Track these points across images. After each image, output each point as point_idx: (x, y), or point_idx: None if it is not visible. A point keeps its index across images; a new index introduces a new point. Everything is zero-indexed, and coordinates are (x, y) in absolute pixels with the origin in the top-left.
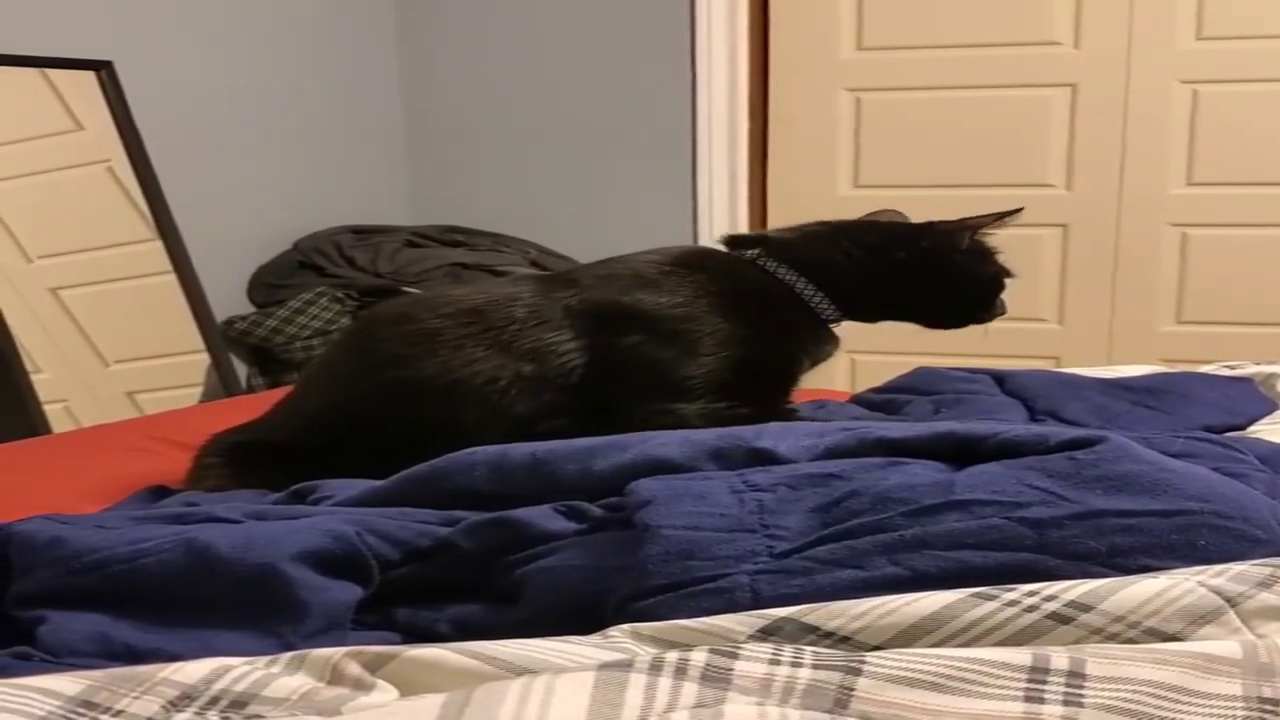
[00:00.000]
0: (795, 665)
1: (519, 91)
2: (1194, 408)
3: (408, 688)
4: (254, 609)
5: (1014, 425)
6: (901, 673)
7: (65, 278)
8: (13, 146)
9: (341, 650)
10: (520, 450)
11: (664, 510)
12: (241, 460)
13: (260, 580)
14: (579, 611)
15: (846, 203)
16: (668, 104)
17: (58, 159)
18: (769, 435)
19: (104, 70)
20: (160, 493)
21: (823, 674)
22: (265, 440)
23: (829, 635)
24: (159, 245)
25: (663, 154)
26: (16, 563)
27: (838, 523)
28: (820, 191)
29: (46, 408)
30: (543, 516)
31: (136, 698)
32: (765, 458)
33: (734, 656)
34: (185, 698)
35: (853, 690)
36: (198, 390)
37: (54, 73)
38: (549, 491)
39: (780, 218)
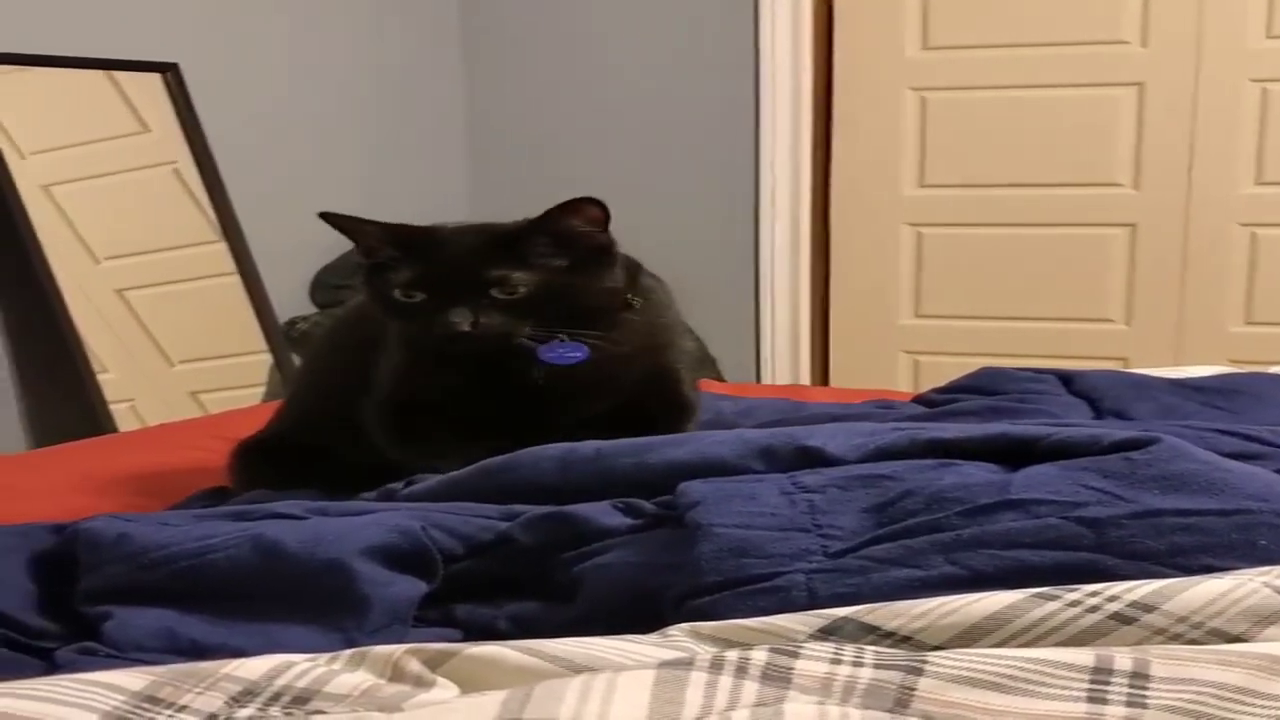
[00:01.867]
0: (856, 665)
1: (580, 92)
2: (1265, 408)
3: (468, 685)
4: (319, 604)
5: (1067, 426)
6: (963, 673)
7: (131, 279)
8: (80, 149)
9: (402, 647)
10: (587, 446)
11: (714, 509)
12: (258, 459)
13: (326, 576)
14: (635, 609)
15: (911, 203)
16: (730, 104)
17: (124, 161)
18: (820, 434)
19: (169, 72)
20: (222, 492)
21: (884, 674)
22: (278, 437)
23: (889, 635)
24: (223, 246)
25: (725, 156)
26: (83, 559)
27: (893, 522)
28: (884, 192)
29: (112, 407)
30: (600, 512)
31: (200, 693)
32: (814, 456)
33: (795, 655)
34: (248, 693)
35: (914, 690)
36: (260, 390)
37: (120, 75)
38: (607, 486)
39: (843, 219)
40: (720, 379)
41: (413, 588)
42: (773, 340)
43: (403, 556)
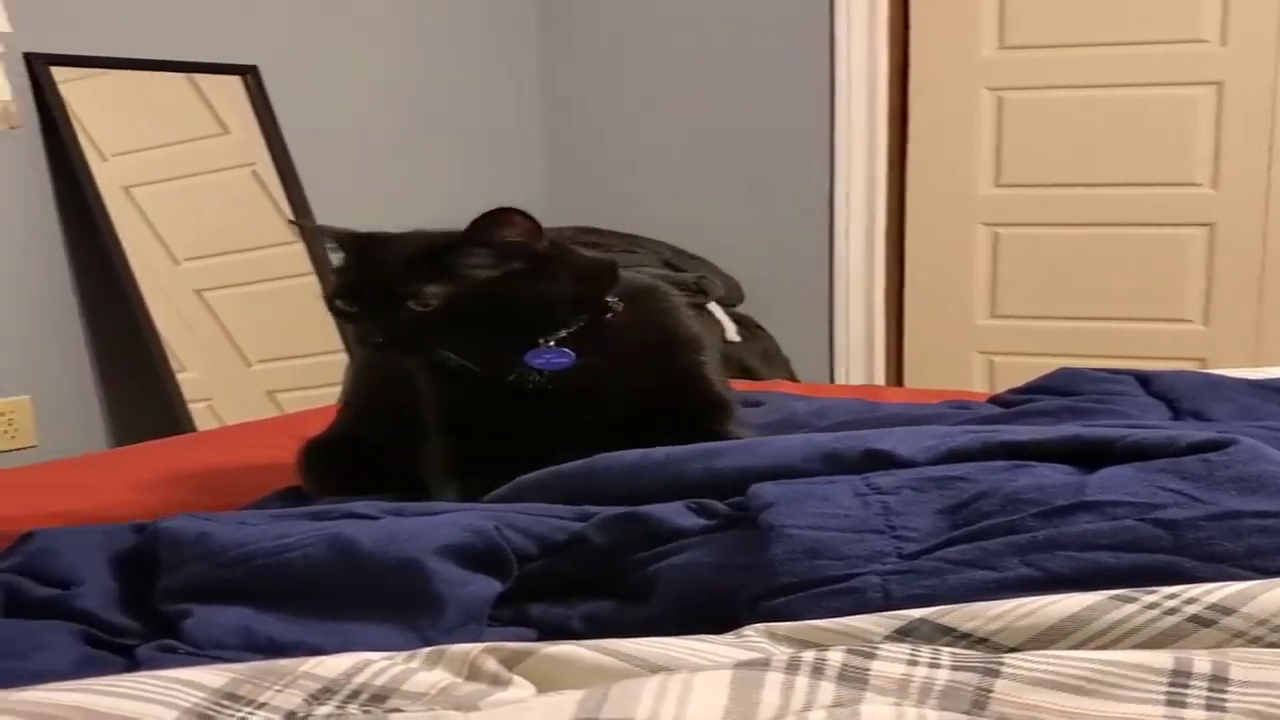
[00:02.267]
0: (933, 666)
1: (656, 94)
2: None
3: (544, 684)
4: (394, 603)
5: (1143, 428)
6: (1041, 675)
7: (210, 279)
8: (161, 150)
9: (479, 646)
10: (657, 452)
11: (787, 511)
12: (322, 459)
13: (401, 574)
14: (708, 609)
15: (987, 202)
16: (805, 103)
17: (204, 163)
18: (889, 438)
19: (249, 74)
20: (298, 492)
21: (961, 675)
22: (340, 438)
23: (965, 636)
24: (300, 247)
25: (799, 155)
26: (164, 558)
27: (967, 524)
28: (960, 192)
29: (191, 406)
30: (673, 513)
31: (279, 691)
32: (884, 460)
33: (871, 656)
34: (326, 691)
35: (991, 692)
36: (336, 390)
37: (201, 77)
38: (676, 491)
39: (919, 219)
40: (793, 379)
41: (487, 587)
42: (847, 340)
43: (477, 556)
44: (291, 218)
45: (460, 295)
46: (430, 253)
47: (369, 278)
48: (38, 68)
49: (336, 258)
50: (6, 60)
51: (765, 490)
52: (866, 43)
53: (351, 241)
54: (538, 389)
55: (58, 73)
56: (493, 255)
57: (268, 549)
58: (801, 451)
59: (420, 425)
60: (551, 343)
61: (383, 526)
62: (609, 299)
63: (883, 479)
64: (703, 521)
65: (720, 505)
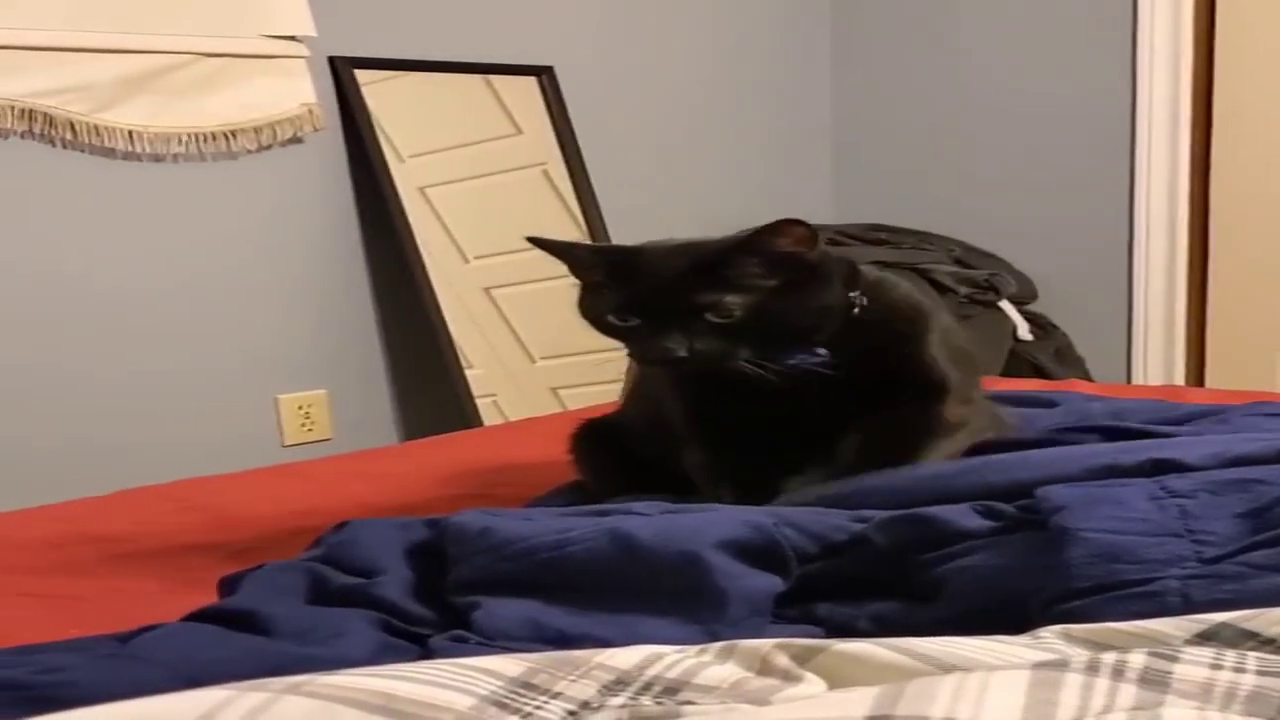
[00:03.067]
0: (1238, 671)
1: (948, 90)
2: None
3: (835, 681)
4: (675, 596)
5: None
6: None
7: (498, 277)
8: (455, 151)
9: (771, 642)
10: (924, 469)
11: (1081, 514)
12: (594, 447)
13: (681, 567)
14: (999, 611)
15: None
16: (1104, 97)
17: (496, 163)
18: (1172, 446)
19: (544, 75)
20: (580, 486)
21: (1269, 680)
22: (615, 423)
23: (1270, 642)
24: None
25: (1096, 150)
26: (451, 552)
27: (1269, 528)
28: (1271, 188)
29: (478, 402)
30: (958, 514)
31: (574, 681)
32: (1170, 468)
33: (1174, 659)
34: (619, 683)
35: None
36: (618, 387)
37: (496, 78)
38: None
39: (1223, 217)
40: (1087, 378)
41: (768, 582)
42: (1145, 339)
43: (755, 551)
44: (531, 235)
45: (757, 304)
46: (712, 264)
47: (654, 291)
48: (341, 70)
49: (588, 274)
50: (311, 64)
51: (1055, 493)
52: (1171, 29)
53: (613, 256)
54: (790, 389)
55: (360, 75)
56: (771, 264)
57: (549, 543)
58: (1080, 463)
59: (677, 435)
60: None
61: (661, 522)
62: (852, 295)
63: (1177, 482)
64: (989, 523)
65: (1006, 507)
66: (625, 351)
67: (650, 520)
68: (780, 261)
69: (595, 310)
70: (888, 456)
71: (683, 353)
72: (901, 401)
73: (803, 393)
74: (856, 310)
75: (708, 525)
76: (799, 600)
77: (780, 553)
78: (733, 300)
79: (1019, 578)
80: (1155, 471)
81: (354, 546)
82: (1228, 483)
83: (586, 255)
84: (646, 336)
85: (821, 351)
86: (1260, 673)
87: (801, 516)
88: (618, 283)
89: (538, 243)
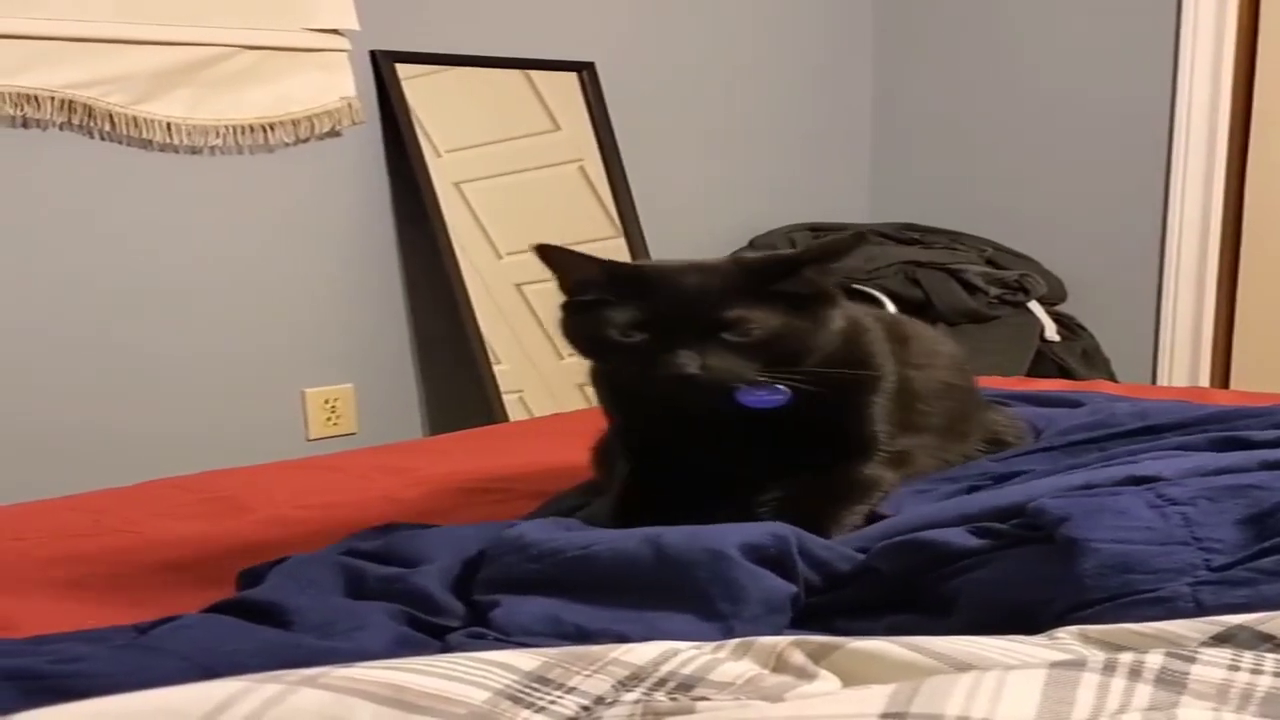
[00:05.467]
0: (1255, 672)
1: (985, 92)
2: None
3: (850, 679)
4: (696, 592)
5: None
6: None
7: (529, 274)
8: (493, 147)
9: (786, 639)
10: (908, 515)
11: (1085, 524)
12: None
13: (706, 563)
14: (1014, 622)
15: None
16: (1143, 101)
17: (534, 159)
18: (1148, 466)
19: (585, 71)
20: (594, 487)
21: None
22: None
23: None
24: (621, 242)
25: (1133, 153)
26: (486, 554)
27: (1272, 534)
28: None
29: (505, 398)
30: (954, 535)
31: (588, 676)
32: (1149, 484)
33: (1191, 660)
34: (634, 678)
35: None
36: None
37: (537, 74)
38: None
39: (1259, 224)
40: (1113, 379)
41: (786, 586)
42: (1172, 341)
43: (771, 560)
44: (539, 244)
45: (779, 325)
46: (737, 282)
47: (670, 308)
48: (382, 64)
49: (586, 290)
50: (352, 57)
51: (1052, 505)
52: (1213, 33)
53: (627, 272)
54: (738, 423)
55: (401, 69)
56: (793, 288)
57: (578, 544)
58: (1051, 488)
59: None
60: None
61: (686, 528)
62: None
63: (1173, 489)
64: (986, 541)
65: (1000, 525)
66: (625, 372)
67: (677, 527)
68: (809, 286)
69: (591, 327)
70: (803, 519)
71: (694, 369)
72: (830, 461)
73: (747, 430)
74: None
75: (731, 531)
76: (814, 619)
77: (791, 564)
78: (759, 317)
79: (1030, 588)
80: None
81: (414, 539)
82: (1224, 489)
83: (596, 269)
84: (654, 353)
85: (783, 391)
86: (1277, 675)
87: (811, 543)
88: (628, 298)
89: (541, 251)
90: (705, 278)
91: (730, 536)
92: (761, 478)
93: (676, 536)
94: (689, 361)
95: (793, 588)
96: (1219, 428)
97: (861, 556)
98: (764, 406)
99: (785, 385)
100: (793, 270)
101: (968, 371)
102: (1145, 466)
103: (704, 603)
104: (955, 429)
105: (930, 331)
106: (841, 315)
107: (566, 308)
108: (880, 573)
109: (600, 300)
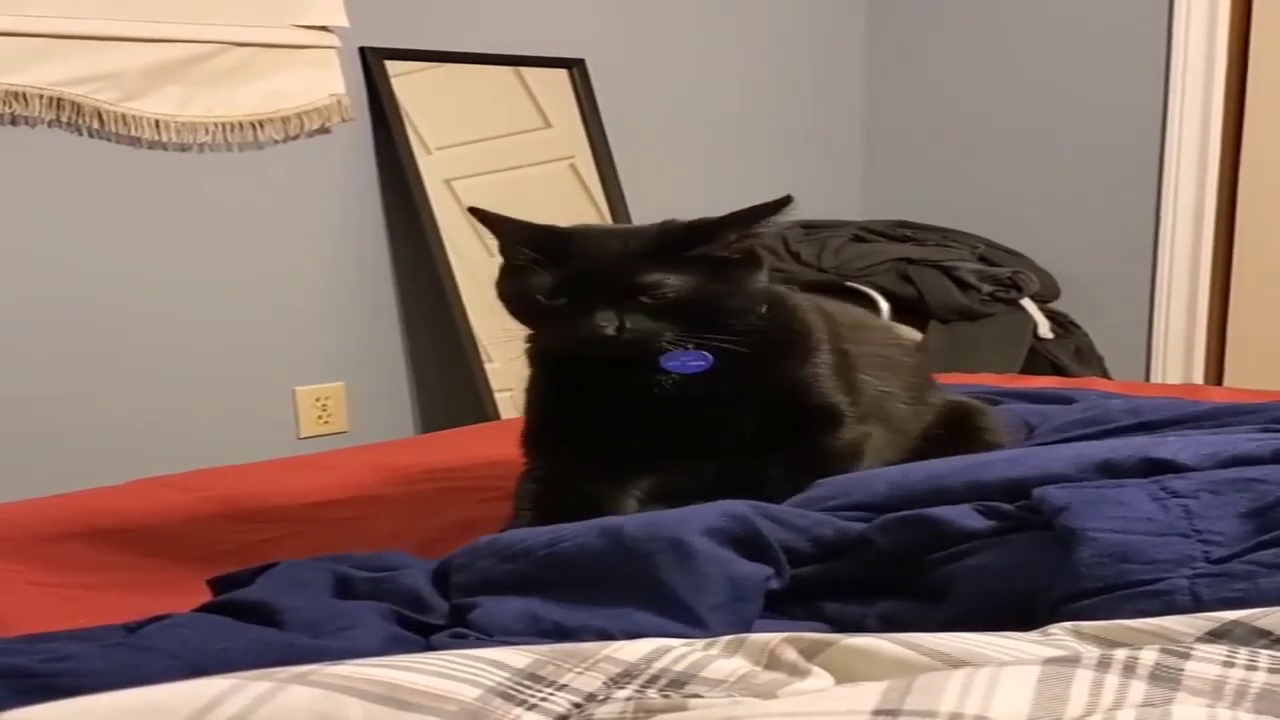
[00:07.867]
0: (1250, 669)
1: (976, 90)
2: None
3: (843, 675)
4: (659, 584)
5: None
6: None
7: None
8: (483, 144)
9: (778, 636)
10: (917, 469)
11: (1085, 514)
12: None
13: (666, 553)
14: (1008, 610)
15: None
16: (1136, 100)
17: (524, 156)
18: (1167, 446)
19: (575, 68)
20: None
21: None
22: None
23: None
24: None
25: (1126, 151)
26: (456, 561)
27: (1274, 527)
28: None
29: (496, 396)
30: (960, 515)
31: (580, 673)
32: (1164, 468)
33: (1185, 657)
34: (626, 675)
35: None
36: None
37: (527, 70)
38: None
39: (1252, 221)
40: (1106, 377)
41: (757, 570)
42: (1165, 338)
43: (738, 541)
44: (472, 206)
45: (694, 287)
46: (655, 245)
47: (589, 272)
48: (372, 61)
49: (518, 253)
50: (342, 54)
51: (1054, 494)
52: (1206, 34)
53: (550, 237)
54: (664, 392)
55: (391, 66)
56: (715, 252)
57: (544, 541)
58: (1070, 461)
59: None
60: (689, 345)
61: (645, 515)
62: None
63: (1177, 482)
64: (991, 523)
65: (1007, 506)
66: (550, 336)
67: (637, 516)
68: (729, 251)
69: (521, 289)
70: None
71: (611, 331)
72: (793, 431)
73: (679, 399)
74: (760, 319)
75: (692, 516)
76: (805, 599)
77: (762, 541)
78: (673, 281)
79: (1026, 577)
80: (1149, 471)
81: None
82: (1227, 482)
83: (521, 232)
84: (574, 316)
85: (706, 356)
86: (1272, 671)
87: (779, 511)
88: (551, 263)
89: (475, 213)
90: (625, 242)
91: (691, 523)
92: (708, 452)
93: (636, 527)
94: (606, 323)
95: (766, 570)
96: (1213, 425)
97: (850, 525)
98: (686, 371)
99: (705, 349)
100: (714, 235)
101: (908, 347)
102: (1167, 446)
103: (667, 594)
104: (911, 397)
105: (861, 312)
106: (768, 285)
107: (501, 270)
108: (876, 546)
109: (529, 264)
